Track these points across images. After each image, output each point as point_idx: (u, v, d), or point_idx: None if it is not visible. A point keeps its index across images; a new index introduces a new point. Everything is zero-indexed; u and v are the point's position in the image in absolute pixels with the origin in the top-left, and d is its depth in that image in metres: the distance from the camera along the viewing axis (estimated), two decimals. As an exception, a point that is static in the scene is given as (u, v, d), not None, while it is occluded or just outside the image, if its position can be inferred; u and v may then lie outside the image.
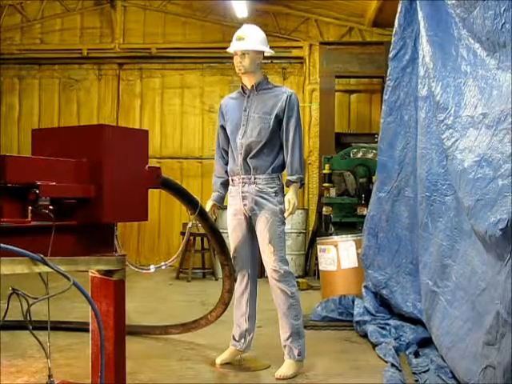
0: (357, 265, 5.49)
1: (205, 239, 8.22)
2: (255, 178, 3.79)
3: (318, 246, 5.98)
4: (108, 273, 2.58)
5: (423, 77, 4.03)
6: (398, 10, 4.70)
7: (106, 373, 2.42)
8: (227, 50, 3.91)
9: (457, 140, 3.16)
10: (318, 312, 5.26)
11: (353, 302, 5.12)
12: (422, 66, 4.02)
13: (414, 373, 3.58)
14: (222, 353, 3.98)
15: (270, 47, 3.94)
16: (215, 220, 3.98)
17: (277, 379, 3.64)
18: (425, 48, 3.85)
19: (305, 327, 3.99)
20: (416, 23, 4.35)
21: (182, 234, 8.42)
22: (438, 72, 3.59)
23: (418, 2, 4.15)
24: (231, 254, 3.91)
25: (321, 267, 5.91)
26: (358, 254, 5.47)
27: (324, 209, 7.84)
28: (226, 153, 3.99)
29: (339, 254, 5.63)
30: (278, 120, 3.80)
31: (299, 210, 8.28)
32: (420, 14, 4.03)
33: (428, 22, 3.85)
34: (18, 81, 9.96)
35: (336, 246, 5.67)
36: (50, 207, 2.31)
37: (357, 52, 8.74)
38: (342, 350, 4.39)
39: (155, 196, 8.84)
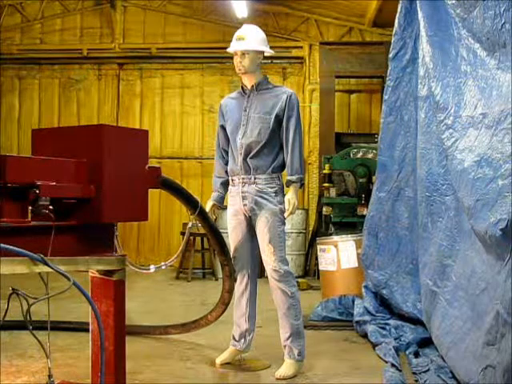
0: (357, 265, 5.49)
1: (205, 239, 8.22)
2: (255, 178, 3.79)
3: (318, 246, 5.98)
4: (108, 273, 2.58)
5: (423, 77, 4.02)
6: (398, 10, 4.70)
7: (105, 373, 2.42)
8: (227, 49, 3.90)
9: (457, 140, 3.16)
10: (318, 312, 5.26)
11: (353, 302, 5.12)
12: (422, 66, 4.01)
13: (414, 373, 3.58)
14: (221, 353, 3.98)
15: (270, 47, 3.94)
16: (215, 220, 3.98)
17: (277, 379, 3.64)
18: (425, 48, 3.85)
19: (305, 327, 3.98)
20: (416, 23, 4.35)
21: (182, 234, 8.42)
22: (437, 72, 3.59)
23: (417, 2, 4.15)
24: (231, 254, 3.90)
25: (321, 267, 5.91)
26: (358, 254, 5.47)
27: (324, 209, 7.84)
28: (226, 153, 3.99)
29: (339, 254, 5.63)
30: (278, 120, 3.80)
31: (299, 210, 8.28)
32: (420, 14, 4.03)
33: (428, 22, 3.85)
34: (18, 81, 9.96)
35: (336, 245, 5.67)
36: (50, 207, 2.31)
37: (357, 52, 8.73)
38: (342, 349, 4.39)
39: (155, 196, 8.84)
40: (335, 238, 5.93)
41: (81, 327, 4.46)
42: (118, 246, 2.73)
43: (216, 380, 3.74)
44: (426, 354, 3.94)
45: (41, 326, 2.58)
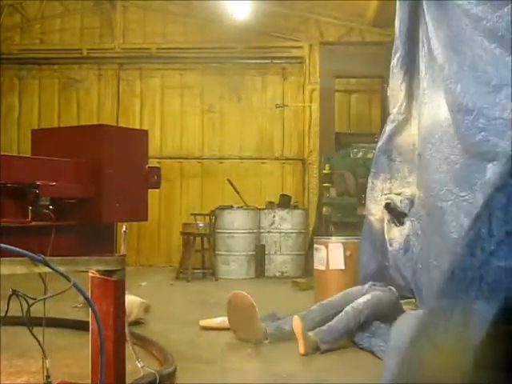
0: (343, 267, 5.49)
1: (205, 239, 8.20)
2: None
3: (314, 245, 6.00)
4: (108, 273, 2.58)
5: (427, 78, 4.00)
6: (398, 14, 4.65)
7: (105, 373, 2.42)
8: None
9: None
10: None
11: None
12: (430, 67, 3.98)
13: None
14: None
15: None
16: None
17: None
18: (436, 50, 3.79)
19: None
20: (422, 24, 4.29)
21: (182, 234, 8.40)
22: (454, 73, 3.52)
23: (424, 4, 4.08)
24: None
25: (314, 265, 5.93)
26: (346, 256, 5.48)
27: (324, 209, 7.84)
28: None
29: (328, 255, 5.64)
30: None
31: (299, 210, 8.29)
32: (428, 16, 3.97)
33: (437, 23, 3.81)
34: (18, 81, 9.97)
35: (326, 246, 5.68)
36: (50, 207, 2.31)
37: (357, 52, 8.75)
38: (341, 349, 4.38)
39: (155, 196, 8.83)
40: (326, 238, 5.96)
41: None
42: (123, 243, 2.74)
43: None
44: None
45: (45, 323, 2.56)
